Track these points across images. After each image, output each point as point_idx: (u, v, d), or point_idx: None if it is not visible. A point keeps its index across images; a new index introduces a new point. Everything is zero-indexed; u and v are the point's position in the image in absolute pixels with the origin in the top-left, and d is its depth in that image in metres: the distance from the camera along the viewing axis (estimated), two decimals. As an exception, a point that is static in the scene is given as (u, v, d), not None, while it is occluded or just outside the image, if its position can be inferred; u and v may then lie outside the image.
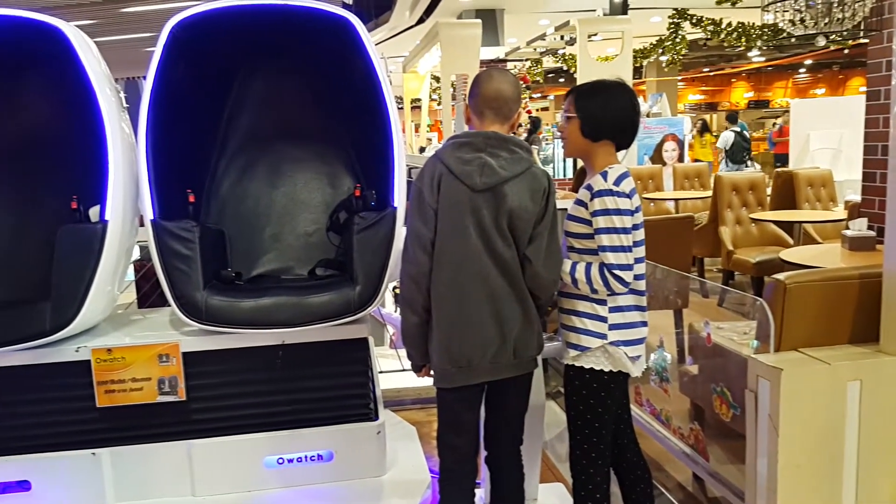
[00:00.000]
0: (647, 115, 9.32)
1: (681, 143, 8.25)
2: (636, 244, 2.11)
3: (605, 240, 2.06)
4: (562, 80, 22.29)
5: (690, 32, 12.10)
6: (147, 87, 2.63)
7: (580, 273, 2.10)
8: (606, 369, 2.14)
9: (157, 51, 2.65)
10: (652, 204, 6.83)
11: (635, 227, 2.11)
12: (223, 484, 2.71)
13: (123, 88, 2.85)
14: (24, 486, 2.62)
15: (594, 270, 2.08)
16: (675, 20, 11.64)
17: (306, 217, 3.17)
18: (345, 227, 2.96)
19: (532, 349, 2.15)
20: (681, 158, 8.12)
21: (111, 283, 2.67)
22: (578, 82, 4.32)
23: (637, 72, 16.46)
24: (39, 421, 2.62)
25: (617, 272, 2.04)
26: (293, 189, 3.18)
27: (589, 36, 8.99)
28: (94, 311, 2.61)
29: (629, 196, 2.09)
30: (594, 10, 11.29)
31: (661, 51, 12.69)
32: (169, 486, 2.69)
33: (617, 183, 2.08)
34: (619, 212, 2.05)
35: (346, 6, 3.35)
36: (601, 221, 2.07)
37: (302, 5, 2.72)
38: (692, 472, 2.96)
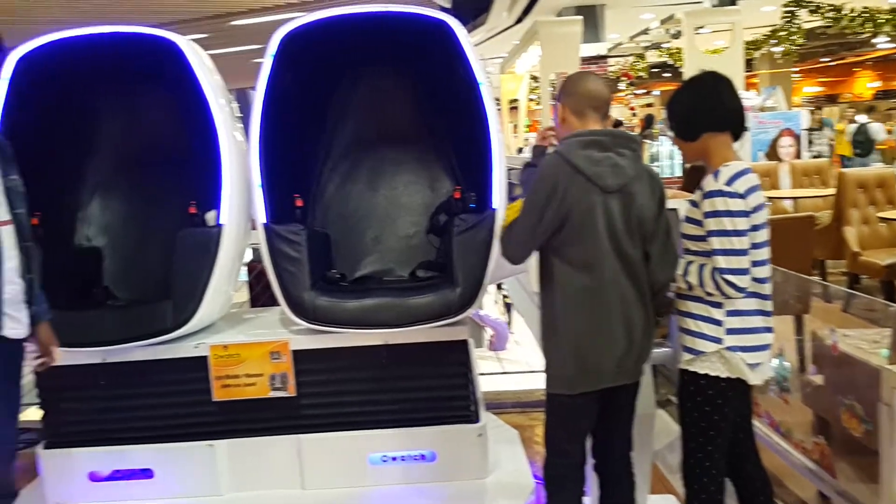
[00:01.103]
0: (761, 110, 8.84)
1: (797, 139, 7.75)
2: (756, 246, 2.00)
3: (716, 243, 1.97)
4: (667, 74, 21.54)
5: (808, 21, 11.38)
6: (258, 96, 2.75)
7: (693, 276, 2.03)
8: (723, 375, 2.04)
9: (267, 61, 2.76)
10: (768, 203, 6.46)
11: (754, 228, 2.00)
12: (330, 478, 2.79)
13: (234, 99, 2.98)
14: (146, 473, 2.79)
15: (706, 273, 1.99)
16: (790, 8, 10.98)
17: (407, 219, 3.22)
18: (444, 230, 2.97)
19: (650, 354, 2.12)
20: (798, 154, 7.63)
21: (227, 283, 2.82)
22: (685, 77, 4.14)
23: (748, 64, 15.66)
24: (161, 413, 2.79)
25: (728, 277, 1.95)
26: (394, 192, 3.24)
27: (696, 29, 8.65)
28: (211, 309, 2.75)
29: (743, 196, 1.98)
30: (701, 2, 10.84)
31: (774, 42, 12.03)
32: (279, 479, 2.79)
33: (729, 183, 1.98)
34: (730, 213, 1.96)
35: (443, 10, 3.37)
36: (712, 224, 1.98)
37: (403, 11, 2.76)
38: (817, 489, 2.77)
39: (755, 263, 2.01)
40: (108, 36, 2.74)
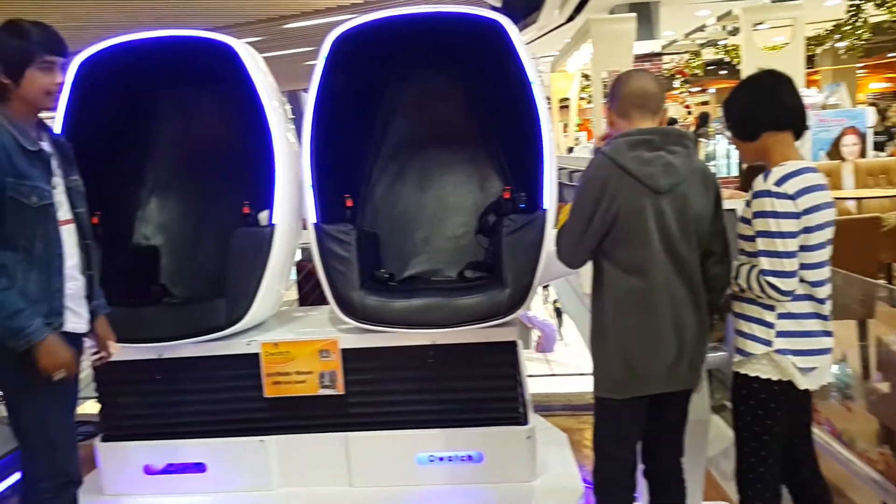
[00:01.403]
0: (823, 107, 8.53)
1: (862, 137, 7.45)
2: (811, 248, 1.94)
3: (760, 244, 1.94)
4: (723, 72, 21.02)
5: (874, 15, 10.93)
6: (310, 98, 2.78)
7: (742, 278, 2.00)
8: (774, 378, 1.98)
9: (319, 64, 2.79)
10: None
11: (807, 230, 1.93)
12: (378, 477, 2.80)
13: (287, 100, 3.03)
14: (199, 467, 2.85)
15: (752, 275, 1.96)
16: (855, 2, 10.57)
17: (456, 220, 3.21)
18: (494, 230, 2.95)
19: (703, 360, 2.07)
20: (862, 154, 7.33)
21: (278, 281, 2.86)
22: (742, 75, 4.02)
23: (809, 61, 15.14)
24: (213, 408, 2.84)
25: (771, 279, 1.90)
26: (443, 192, 3.24)
27: (754, 25, 8.39)
28: (263, 307, 2.80)
29: (792, 198, 1.92)
30: (759, -4, 10.54)
31: (838, 37, 11.60)
32: (328, 476, 2.81)
33: (779, 183, 1.92)
34: (776, 215, 1.91)
35: (495, 9, 3.35)
36: (758, 224, 1.94)
37: (454, 11, 2.75)
38: (882, 500, 2.65)
39: (809, 266, 1.94)
40: (166, 40, 2.82)
